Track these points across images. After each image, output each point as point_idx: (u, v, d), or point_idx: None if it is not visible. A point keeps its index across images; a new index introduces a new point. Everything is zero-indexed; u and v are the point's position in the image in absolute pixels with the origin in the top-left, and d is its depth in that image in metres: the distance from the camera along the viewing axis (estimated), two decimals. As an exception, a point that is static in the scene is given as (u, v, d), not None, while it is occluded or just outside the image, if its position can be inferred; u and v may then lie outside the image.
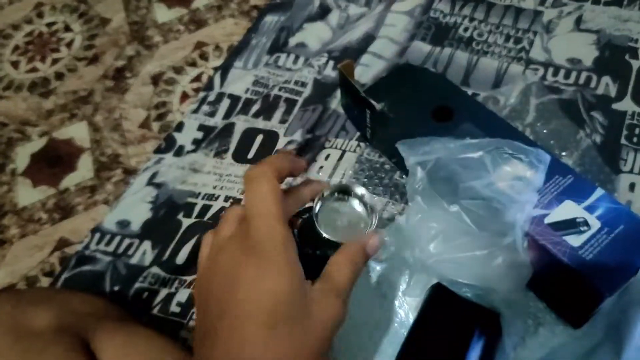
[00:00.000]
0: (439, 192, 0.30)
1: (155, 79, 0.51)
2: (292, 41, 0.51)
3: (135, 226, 0.40)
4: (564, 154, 0.39)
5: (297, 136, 0.43)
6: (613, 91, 0.43)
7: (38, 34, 0.57)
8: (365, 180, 0.40)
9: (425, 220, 0.30)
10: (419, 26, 0.49)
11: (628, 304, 0.30)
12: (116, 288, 0.37)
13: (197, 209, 0.40)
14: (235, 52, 0.51)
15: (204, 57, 0.52)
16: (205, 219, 0.40)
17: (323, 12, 0.53)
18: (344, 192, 0.27)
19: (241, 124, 0.45)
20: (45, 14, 0.59)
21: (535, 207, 0.30)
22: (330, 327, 0.22)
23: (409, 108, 0.37)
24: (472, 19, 0.49)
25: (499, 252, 0.29)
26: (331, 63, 0.48)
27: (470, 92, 0.44)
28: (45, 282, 0.39)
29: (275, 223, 0.22)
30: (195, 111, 0.47)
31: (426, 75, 0.40)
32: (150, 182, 0.43)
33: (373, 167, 0.41)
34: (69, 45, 0.55)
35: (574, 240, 0.29)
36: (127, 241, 0.39)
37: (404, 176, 0.40)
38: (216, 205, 0.40)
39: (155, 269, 0.37)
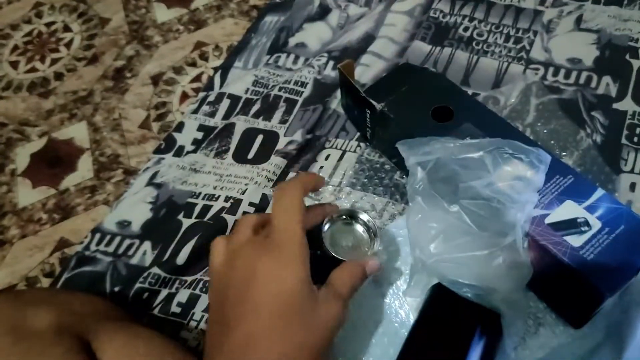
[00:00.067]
0: (439, 192, 0.30)
1: (155, 79, 0.51)
2: (292, 41, 0.51)
3: (136, 226, 0.40)
4: (564, 154, 0.39)
5: (297, 136, 0.43)
6: (613, 91, 0.43)
7: (37, 34, 0.57)
8: (366, 180, 0.40)
9: (426, 221, 0.30)
10: (418, 26, 0.49)
11: (629, 304, 0.30)
12: (116, 288, 0.37)
13: (197, 209, 0.40)
14: (235, 52, 0.51)
15: (203, 57, 0.52)
16: (206, 219, 0.40)
17: (323, 12, 0.52)
18: (351, 216, 0.31)
19: (241, 124, 0.45)
20: (44, 14, 0.58)
21: (536, 207, 0.30)
22: (331, 327, 0.25)
23: (409, 108, 0.37)
24: (472, 19, 0.49)
25: (500, 252, 0.28)
26: (331, 63, 0.48)
27: (470, 92, 0.44)
28: (45, 282, 0.39)
29: (297, 228, 0.25)
30: (195, 111, 0.47)
31: (426, 75, 0.40)
32: (151, 183, 0.42)
33: (373, 167, 0.41)
34: (68, 45, 0.55)
35: (575, 241, 0.29)
36: (127, 241, 0.39)
37: (404, 176, 0.40)
38: (216, 206, 0.40)
39: (156, 270, 0.37)
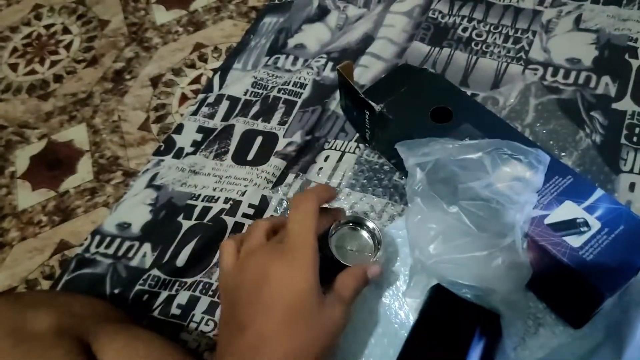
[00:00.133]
0: (439, 193, 0.30)
1: (154, 81, 0.51)
2: (291, 42, 0.51)
3: (135, 228, 0.40)
4: (563, 154, 0.39)
5: (297, 137, 0.43)
6: (613, 91, 0.43)
7: (36, 36, 0.57)
8: (365, 181, 0.40)
9: (425, 222, 0.30)
10: (417, 27, 0.49)
11: (629, 304, 0.30)
12: (116, 291, 0.37)
13: (197, 211, 0.40)
14: (234, 53, 0.51)
15: (202, 58, 0.52)
16: (205, 220, 0.40)
17: (322, 13, 0.52)
18: (357, 222, 0.32)
19: (240, 125, 0.45)
20: (44, 16, 0.59)
21: (535, 207, 0.30)
22: (336, 329, 0.27)
23: (408, 109, 0.37)
24: (471, 19, 0.49)
25: (499, 253, 0.29)
26: (330, 64, 0.48)
27: (469, 92, 0.44)
28: (45, 285, 0.39)
29: (310, 236, 0.27)
30: (195, 113, 0.47)
31: (425, 76, 0.40)
32: (150, 184, 0.43)
33: (372, 168, 0.41)
34: (67, 47, 0.55)
35: (574, 241, 0.29)
36: (127, 244, 0.39)
37: (403, 177, 0.40)
38: (216, 207, 0.40)
39: (156, 272, 0.37)
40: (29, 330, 0.27)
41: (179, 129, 0.46)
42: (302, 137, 0.43)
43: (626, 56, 0.45)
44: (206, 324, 0.35)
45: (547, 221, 0.30)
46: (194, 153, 0.44)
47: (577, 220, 0.29)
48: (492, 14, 0.49)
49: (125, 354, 0.29)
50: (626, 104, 0.42)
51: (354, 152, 0.42)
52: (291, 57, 0.50)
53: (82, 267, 0.39)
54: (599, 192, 0.31)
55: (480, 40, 0.48)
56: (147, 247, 0.39)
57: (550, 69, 0.45)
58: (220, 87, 0.49)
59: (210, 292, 0.36)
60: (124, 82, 0.51)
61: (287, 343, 0.25)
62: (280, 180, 0.41)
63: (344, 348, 0.32)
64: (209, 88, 0.49)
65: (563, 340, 0.31)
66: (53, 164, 0.47)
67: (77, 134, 0.48)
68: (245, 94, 0.48)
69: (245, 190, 0.41)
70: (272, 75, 0.48)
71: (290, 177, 0.41)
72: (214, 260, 0.38)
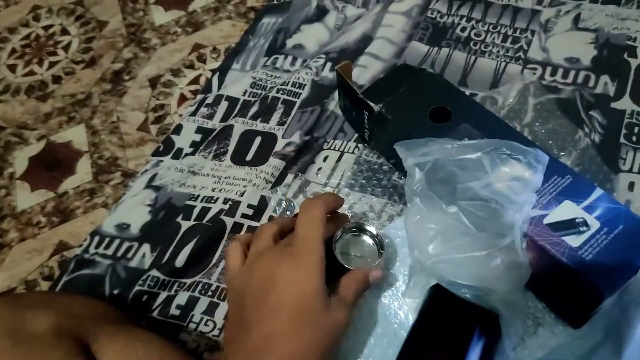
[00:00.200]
0: (438, 193, 0.30)
1: (153, 82, 0.51)
2: (290, 43, 0.51)
3: (135, 229, 0.40)
4: (562, 153, 0.39)
5: (296, 138, 0.43)
6: (612, 90, 0.43)
7: (35, 37, 0.57)
8: (364, 181, 0.40)
9: (424, 222, 0.30)
10: (416, 26, 0.49)
11: (628, 303, 0.30)
12: (116, 291, 0.37)
13: (196, 212, 0.40)
14: (233, 54, 0.51)
15: (201, 59, 0.52)
16: (204, 221, 0.40)
17: (320, 14, 0.52)
18: (360, 229, 0.33)
19: (239, 126, 0.45)
20: (42, 17, 0.59)
21: (534, 207, 0.30)
22: (339, 331, 0.28)
23: (407, 109, 0.37)
24: (469, 19, 0.49)
25: (498, 253, 0.28)
26: (329, 64, 0.48)
27: (468, 92, 0.44)
28: (44, 285, 0.39)
29: (317, 242, 0.28)
30: (193, 114, 0.47)
31: (424, 76, 0.40)
32: (149, 185, 0.42)
33: (371, 169, 0.41)
34: (66, 48, 0.55)
35: (573, 241, 0.29)
36: (126, 244, 0.39)
37: (402, 177, 0.40)
38: (215, 208, 0.40)
39: (155, 272, 0.37)
40: (28, 331, 0.27)
41: (178, 129, 0.46)
42: (301, 137, 0.43)
43: (625, 55, 0.45)
44: (205, 324, 0.35)
45: (546, 221, 0.30)
46: (192, 154, 0.44)
47: (576, 220, 0.29)
48: (491, 13, 0.49)
49: (124, 355, 0.29)
50: (625, 103, 0.42)
51: (352, 152, 0.42)
52: (290, 58, 0.50)
53: (81, 267, 0.39)
54: (598, 192, 0.31)
55: (479, 39, 0.48)
56: (146, 247, 0.39)
57: (549, 69, 0.45)
58: (219, 87, 0.49)
59: (210, 293, 0.36)
60: (123, 83, 0.51)
61: (294, 343, 0.26)
62: (279, 180, 0.41)
63: (343, 348, 0.32)
64: (207, 89, 0.49)
65: (562, 340, 0.31)
66: (52, 164, 0.47)
67: (76, 135, 0.48)
68: (244, 94, 0.48)
69: (244, 191, 0.41)
70: (271, 76, 0.48)
71: (289, 177, 0.41)
72: (213, 261, 0.38)
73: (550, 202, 0.30)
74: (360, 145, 0.42)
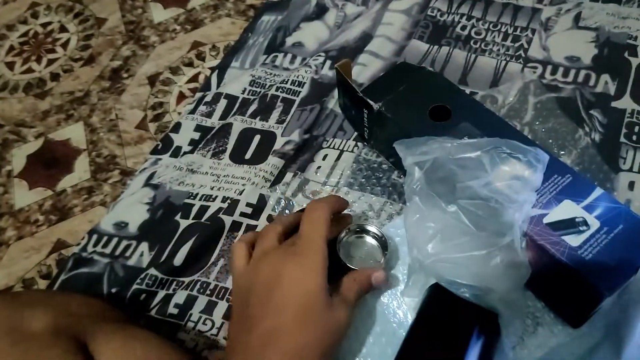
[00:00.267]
0: (437, 192, 0.30)
1: (152, 80, 0.51)
2: (289, 41, 0.50)
3: (133, 228, 0.40)
4: (562, 152, 0.39)
5: (295, 136, 0.43)
6: (612, 89, 0.42)
7: (33, 35, 0.56)
8: (363, 180, 0.40)
9: (423, 221, 0.30)
10: (416, 25, 0.49)
11: (628, 303, 0.30)
12: (114, 290, 0.37)
13: (194, 210, 0.40)
14: (232, 52, 0.51)
15: (200, 57, 0.52)
16: (203, 220, 0.39)
17: (320, 11, 0.52)
18: (366, 231, 0.34)
19: (238, 124, 0.45)
20: (40, 14, 0.58)
21: (534, 206, 0.30)
22: (340, 330, 0.28)
23: (407, 107, 0.37)
24: (469, 17, 0.49)
25: (498, 252, 0.28)
26: (328, 62, 0.47)
27: (468, 91, 0.44)
28: (42, 284, 0.39)
29: (321, 242, 0.29)
30: (192, 112, 0.47)
31: (424, 75, 0.40)
32: (148, 183, 0.42)
33: (371, 167, 0.40)
34: (64, 45, 0.55)
35: (573, 240, 0.29)
36: (124, 243, 0.39)
37: (401, 176, 0.39)
38: (214, 206, 0.40)
39: (153, 271, 0.37)
40: (26, 329, 0.27)
41: (177, 127, 0.46)
42: (300, 135, 0.43)
43: (626, 54, 0.44)
44: (204, 323, 0.35)
45: (546, 220, 0.30)
46: (191, 152, 0.44)
47: (576, 220, 0.29)
48: (491, 11, 0.49)
49: (122, 354, 0.29)
50: (625, 103, 0.42)
51: (352, 151, 0.42)
52: (289, 56, 0.49)
53: (79, 266, 0.38)
54: (598, 191, 0.30)
55: (479, 38, 0.47)
56: (144, 246, 0.39)
57: (549, 67, 0.44)
58: (218, 85, 0.49)
59: (208, 292, 0.36)
60: (121, 81, 0.51)
61: (297, 339, 0.27)
62: (278, 179, 0.41)
63: (343, 347, 0.32)
64: (206, 86, 0.49)
65: (562, 340, 0.31)
66: (50, 162, 0.46)
67: (74, 133, 0.48)
68: (243, 92, 0.47)
69: (243, 189, 0.40)
70: (270, 74, 0.48)
71: (289, 176, 0.41)
72: (212, 260, 0.38)
73: (550, 201, 0.30)
74: (359, 144, 0.42)
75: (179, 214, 0.40)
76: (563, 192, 0.31)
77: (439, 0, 0.51)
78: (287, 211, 0.39)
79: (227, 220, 0.39)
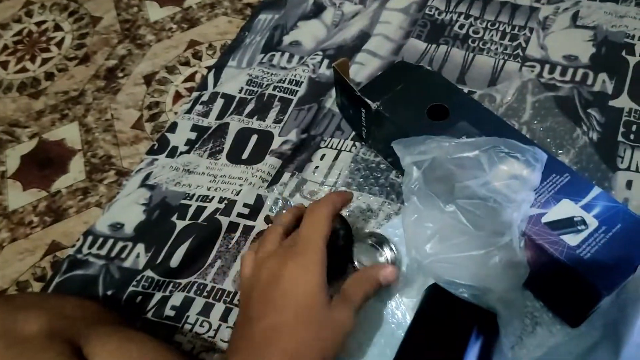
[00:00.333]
0: (435, 191, 0.30)
1: (148, 79, 0.50)
2: (287, 39, 0.50)
3: (129, 229, 0.40)
4: (560, 152, 0.39)
5: (292, 136, 0.43)
6: (610, 88, 0.42)
7: (27, 33, 0.56)
8: (361, 180, 0.40)
9: (421, 221, 0.30)
10: (414, 23, 0.49)
11: (626, 302, 0.30)
12: (109, 292, 0.36)
13: (191, 211, 0.40)
14: (229, 50, 0.51)
15: (197, 56, 0.52)
16: (200, 220, 0.39)
17: (317, 10, 0.52)
18: (379, 243, 0.34)
19: (235, 124, 0.44)
20: (35, 13, 0.58)
21: (532, 206, 0.30)
22: (341, 330, 0.28)
23: (405, 107, 0.36)
24: (467, 16, 0.49)
25: (496, 252, 0.28)
26: (326, 61, 0.47)
27: (466, 90, 0.44)
28: (36, 286, 0.39)
29: (320, 242, 0.29)
30: (189, 111, 0.46)
31: (422, 74, 0.40)
32: (144, 184, 0.42)
33: (369, 167, 0.40)
34: (59, 44, 0.54)
35: (572, 240, 0.29)
36: (120, 244, 0.39)
37: (399, 176, 0.39)
38: (210, 207, 0.40)
39: (149, 272, 0.36)
40: (20, 332, 0.27)
41: (173, 127, 0.45)
42: (298, 135, 0.43)
43: (623, 53, 0.44)
44: (201, 325, 0.35)
45: (544, 220, 0.29)
46: (188, 152, 0.43)
47: (575, 219, 0.29)
48: (489, 10, 0.49)
49: (118, 356, 0.28)
50: (623, 101, 0.42)
51: (350, 151, 0.41)
52: (286, 55, 0.49)
53: (74, 268, 0.38)
54: (596, 190, 0.30)
55: (477, 37, 0.47)
56: (140, 247, 0.39)
57: (547, 66, 0.44)
58: (215, 85, 0.48)
59: (205, 293, 0.36)
60: (117, 80, 0.51)
61: (298, 336, 0.27)
62: (275, 179, 0.41)
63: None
64: (203, 86, 0.49)
65: (560, 339, 0.31)
66: (44, 163, 0.46)
67: (69, 133, 0.48)
68: (240, 91, 0.47)
69: (240, 190, 0.40)
70: (267, 73, 0.48)
71: (286, 176, 0.41)
72: (209, 261, 0.37)
73: (548, 200, 0.30)
74: (357, 144, 0.42)
75: (176, 215, 0.40)
76: (561, 191, 0.30)
77: (437, -2, 0.50)
78: (284, 212, 0.39)
79: (224, 221, 0.38)
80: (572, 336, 0.31)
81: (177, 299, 0.36)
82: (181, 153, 0.44)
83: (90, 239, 0.39)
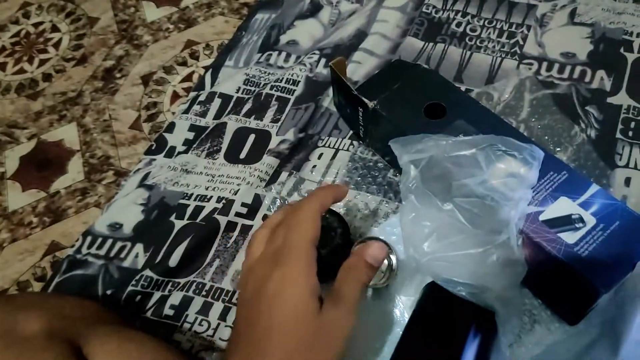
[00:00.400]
0: (433, 190, 0.30)
1: (145, 79, 0.50)
2: (284, 39, 0.50)
3: (127, 229, 0.40)
4: (558, 149, 0.39)
5: (290, 135, 0.43)
6: (608, 85, 0.42)
7: (25, 35, 0.56)
8: (359, 178, 0.40)
9: (419, 219, 0.30)
10: (411, 22, 0.49)
11: (624, 299, 0.30)
12: (109, 292, 0.37)
13: (189, 211, 0.40)
14: (226, 50, 0.51)
15: (194, 56, 0.52)
16: (198, 220, 0.39)
17: (314, 9, 0.52)
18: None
19: (233, 123, 0.44)
20: (32, 14, 0.58)
21: (530, 204, 0.30)
22: (340, 337, 0.26)
23: (402, 105, 0.36)
24: (465, 14, 0.49)
25: (494, 250, 0.28)
26: (323, 60, 0.47)
27: (463, 88, 0.43)
28: (36, 286, 0.39)
29: (307, 246, 0.27)
30: (186, 111, 0.46)
31: (419, 72, 0.40)
32: (142, 184, 0.42)
33: (366, 166, 0.40)
34: (56, 45, 0.54)
35: (569, 237, 0.29)
36: (119, 244, 0.39)
37: (397, 174, 0.39)
38: (209, 207, 0.40)
39: (148, 272, 0.37)
40: (20, 332, 0.27)
41: (171, 127, 0.45)
42: (295, 134, 0.43)
43: (621, 50, 0.44)
44: (200, 324, 0.35)
45: (542, 217, 0.29)
46: (185, 152, 0.43)
47: (572, 216, 0.29)
48: (486, 8, 0.49)
49: (117, 356, 0.28)
50: (621, 98, 0.42)
51: (347, 150, 0.41)
52: (283, 54, 0.49)
53: (74, 268, 0.38)
54: (594, 188, 0.30)
55: (475, 35, 0.47)
56: (139, 247, 0.39)
57: (544, 64, 0.44)
58: (212, 84, 0.48)
59: (204, 293, 0.36)
60: (115, 81, 0.51)
61: (290, 355, 0.25)
62: (273, 178, 0.41)
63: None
64: (200, 86, 0.49)
65: (559, 337, 0.31)
66: (43, 164, 0.46)
67: (67, 134, 0.48)
68: (237, 91, 0.47)
69: (238, 189, 0.40)
70: (265, 72, 0.48)
71: (284, 175, 0.41)
72: (207, 260, 0.37)
73: (546, 198, 0.30)
74: (355, 142, 0.42)
75: (174, 215, 0.40)
76: (559, 189, 0.30)
77: (434, -4, 0.50)
78: (274, 212, 0.39)
79: (222, 220, 0.38)
80: (571, 334, 0.31)
81: (176, 298, 0.36)
82: (179, 153, 0.44)
83: (89, 239, 0.39)
